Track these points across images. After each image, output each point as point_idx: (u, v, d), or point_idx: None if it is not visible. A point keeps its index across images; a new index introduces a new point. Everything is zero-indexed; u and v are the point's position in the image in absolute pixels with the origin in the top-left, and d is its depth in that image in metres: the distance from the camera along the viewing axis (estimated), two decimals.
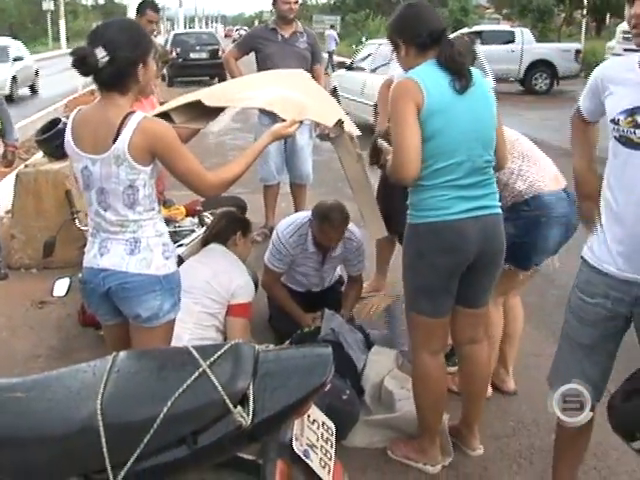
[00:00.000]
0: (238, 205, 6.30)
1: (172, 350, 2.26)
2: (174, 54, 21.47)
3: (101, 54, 2.49)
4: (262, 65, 6.19)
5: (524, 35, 20.77)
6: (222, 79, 23.41)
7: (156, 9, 6.25)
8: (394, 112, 2.83)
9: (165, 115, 2.88)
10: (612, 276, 2.49)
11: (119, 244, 2.66)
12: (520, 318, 3.87)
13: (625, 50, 18.37)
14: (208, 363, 1.88)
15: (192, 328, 3.49)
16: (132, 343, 2.79)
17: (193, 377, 1.85)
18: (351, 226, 4.34)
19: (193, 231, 5.22)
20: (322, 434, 2.03)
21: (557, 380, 2.68)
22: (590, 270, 2.56)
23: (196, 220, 5.45)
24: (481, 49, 19.25)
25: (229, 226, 4.11)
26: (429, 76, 2.83)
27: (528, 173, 3.52)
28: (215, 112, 3.02)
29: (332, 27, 30.13)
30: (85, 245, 2.83)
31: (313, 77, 6.22)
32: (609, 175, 2.50)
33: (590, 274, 2.56)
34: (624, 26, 19.88)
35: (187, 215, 5.58)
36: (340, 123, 3.09)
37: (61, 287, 4.93)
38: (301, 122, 2.93)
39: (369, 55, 13.28)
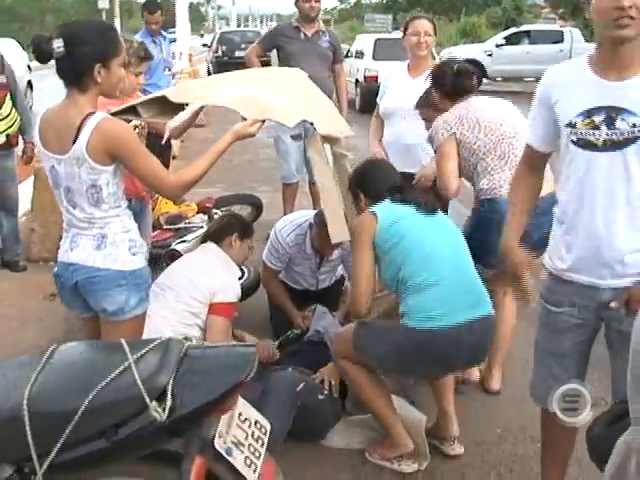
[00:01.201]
0: (253, 203, 6.35)
1: (107, 344, 2.28)
2: (219, 52, 21.69)
3: (57, 45, 2.53)
4: (284, 63, 6.20)
5: (573, 35, 20.40)
6: None
7: (150, 10, 6.30)
8: (352, 245, 3.22)
9: (132, 109, 2.91)
10: (576, 283, 2.45)
11: (87, 239, 2.71)
12: (507, 320, 3.79)
13: None
14: (135, 358, 1.90)
15: (175, 325, 3.50)
16: (102, 336, 2.84)
17: (118, 371, 1.87)
18: None
19: (202, 227, 5.29)
20: (253, 432, 2.02)
21: (535, 390, 2.71)
22: (553, 279, 2.54)
23: (206, 217, 5.51)
24: (528, 48, 18.91)
25: (226, 227, 4.10)
26: (383, 206, 3.12)
27: (496, 175, 3.56)
28: (180, 108, 3.03)
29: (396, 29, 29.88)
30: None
31: (334, 75, 6.30)
32: (564, 182, 2.46)
33: (553, 283, 2.55)
34: None
35: (198, 212, 5.65)
36: (311, 124, 3.08)
37: None
38: (263, 121, 2.92)
39: None
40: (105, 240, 2.69)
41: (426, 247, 3.01)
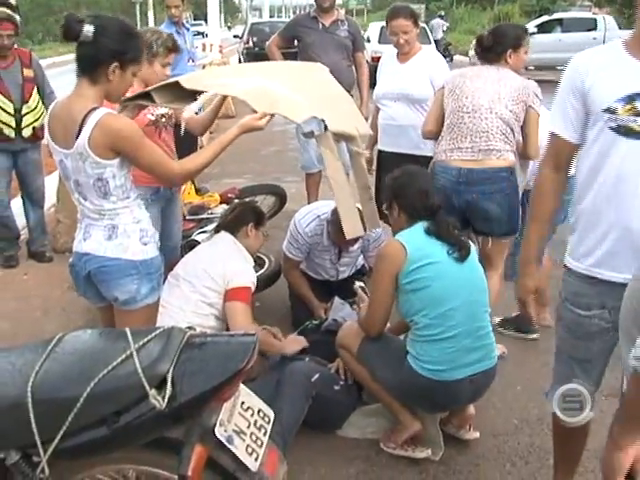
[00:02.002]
0: (277, 193, 6.34)
1: (111, 332, 2.30)
2: (250, 43, 21.69)
3: (88, 29, 2.57)
4: (303, 53, 6.18)
5: (607, 22, 20.05)
6: None
7: None
8: (375, 271, 3.16)
9: (147, 95, 2.93)
10: (606, 281, 2.31)
11: (99, 230, 2.75)
12: (492, 289, 3.71)
13: None
14: (137, 346, 1.91)
15: (190, 317, 3.52)
16: (116, 325, 2.88)
17: (119, 359, 1.88)
18: None
19: None
20: (255, 421, 2.03)
21: (553, 394, 2.58)
22: (579, 279, 2.39)
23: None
24: (561, 37, 18.56)
25: (241, 217, 4.08)
26: (415, 238, 3.05)
27: (442, 141, 3.87)
28: (192, 96, 3.04)
29: (441, 17, 29.45)
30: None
31: (355, 64, 6.26)
32: (593, 172, 2.30)
33: (580, 284, 2.39)
34: None
35: (221, 202, 5.66)
36: (322, 121, 3.06)
37: None
38: (272, 115, 2.92)
39: None
40: (116, 230, 2.72)
41: (447, 303, 2.97)
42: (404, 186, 3.20)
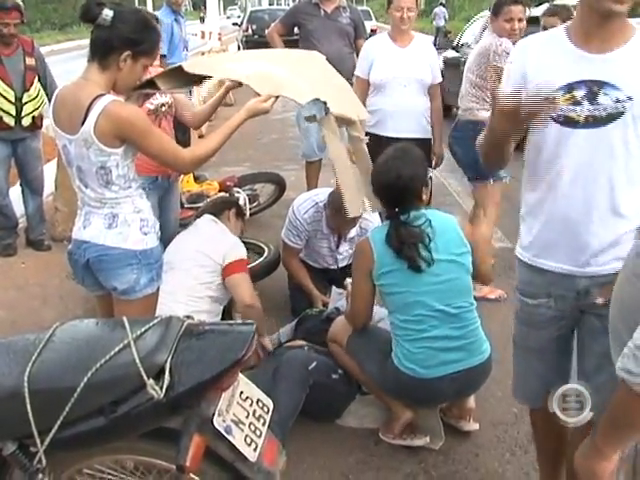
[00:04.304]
0: (276, 181, 6.33)
1: (109, 322, 2.28)
2: (249, 31, 21.61)
3: (107, 14, 2.56)
4: (305, 40, 6.14)
5: None
6: None
7: None
8: (352, 266, 3.23)
9: (151, 82, 2.91)
10: (550, 272, 2.29)
11: (99, 218, 2.73)
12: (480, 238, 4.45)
13: None
14: (134, 336, 1.90)
15: (186, 301, 3.53)
16: (115, 314, 2.86)
17: (117, 349, 1.87)
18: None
19: None
20: (254, 411, 2.01)
21: (517, 390, 2.60)
22: (527, 269, 2.36)
23: (227, 195, 5.50)
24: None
25: (223, 203, 4.23)
26: (380, 241, 2.98)
27: None
28: (198, 80, 3.03)
29: (442, 5, 29.34)
30: None
31: (357, 51, 6.22)
32: (535, 161, 2.27)
33: (528, 273, 2.37)
34: None
35: (220, 191, 5.65)
36: (324, 103, 3.04)
37: None
38: (277, 98, 2.90)
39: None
40: (116, 219, 2.70)
41: (411, 311, 2.96)
42: (375, 174, 3.11)
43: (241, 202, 5.22)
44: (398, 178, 2.95)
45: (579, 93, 2.10)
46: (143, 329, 1.91)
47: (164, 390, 1.78)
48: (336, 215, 4.15)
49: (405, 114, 4.82)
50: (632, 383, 1.41)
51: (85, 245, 2.76)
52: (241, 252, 3.78)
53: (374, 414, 3.40)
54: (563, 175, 2.18)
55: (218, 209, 4.12)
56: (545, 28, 4.72)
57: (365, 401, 3.46)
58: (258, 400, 2.06)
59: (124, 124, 2.55)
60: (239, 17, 34.24)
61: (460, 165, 4.90)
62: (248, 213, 5.38)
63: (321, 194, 4.42)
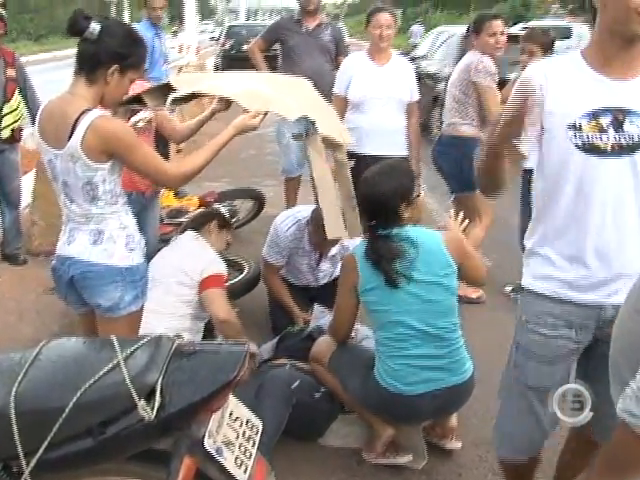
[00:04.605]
0: (255, 197, 6.32)
1: (97, 340, 2.25)
2: (227, 46, 21.64)
3: (95, 27, 2.54)
4: (286, 57, 6.17)
5: (581, 31, 20.21)
6: (273, 70, 23.45)
7: None
8: (339, 281, 3.21)
9: (138, 98, 2.90)
10: (574, 302, 2.20)
11: (84, 234, 2.70)
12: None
13: None
14: (124, 355, 1.87)
15: (167, 320, 3.50)
16: (99, 332, 2.83)
17: (106, 368, 1.84)
18: None
19: None
20: (244, 432, 1.99)
21: (506, 443, 2.47)
22: (542, 299, 2.25)
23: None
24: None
25: (205, 216, 4.19)
26: (362, 256, 3.00)
27: None
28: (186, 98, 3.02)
29: (419, 22, 29.64)
30: None
31: (338, 68, 6.24)
32: (556, 192, 2.18)
33: (544, 303, 2.25)
34: None
35: (200, 206, 5.63)
36: (312, 122, 3.05)
37: None
38: (265, 114, 2.90)
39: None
40: (102, 236, 2.67)
41: (393, 329, 2.97)
42: (360, 186, 3.13)
43: None
44: (377, 192, 2.97)
45: (605, 121, 2.06)
46: (133, 348, 1.89)
47: (155, 411, 1.76)
48: (319, 232, 4.14)
49: (383, 132, 4.85)
50: (634, 425, 1.37)
51: (69, 261, 2.73)
52: (219, 267, 3.76)
53: (356, 433, 3.39)
54: (591, 205, 2.12)
55: (198, 223, 4.09)
56: (524, 51, 4.81)
57: (347, 420, 3.45)
58: (247, 421, 2.04)
59: (111, 139, 2.53)
60: (213, 32, 34.36)
61: (445, 178, 5.13)
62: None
63: (303, 211, 4.42)
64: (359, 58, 5.06)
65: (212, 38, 28.58)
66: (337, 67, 6.25)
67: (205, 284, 3.63)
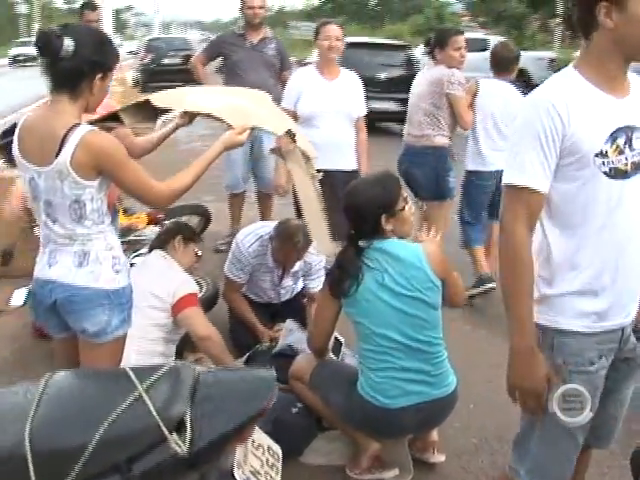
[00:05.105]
0: (201, 213, 6.23)
1: (109, 371, 2.15)
2: (147, 60, 21.33)
3: (68, 43, 2.42)
4: (230, 72, 6.09)
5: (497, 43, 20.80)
6: (196, 84, 23.29)
7: (93, 7, 6.26)
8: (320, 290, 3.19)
9: (115, 117, 2.81)
10: (604, 331, 2.13)
11: (68, 256, 2.58)
12: None
13: None
14: (145, 386, 1.79)
15: (139, 343, 3.37)
16: (81, 360, 2.71)
17: (128, 401, 1.75)
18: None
19: None
20: (267, 460, 1.94)
21: (534, 474, 2.25)
22: (579, 337, 2.12)
23: (157, 229, 5.36)
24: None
25: (167, 231, 4.06)
26: None
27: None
28: (163, 113, 2.94)
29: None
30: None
31: (282, 84, 6.21)
32: (582, 223, 2.07)
33: (580, 340, 2.12)
34: None
35: (149, 223, 5.50)
36: (292, 135, 3.02)
37: (19, 297, 4.82)
38: (252, 129, 2.86)
39: None
40: (87, 257, 2.56)
41: (375, 342, 2.95)
42: (344, 195, 3.07)
43: None
44: (357, 201, 2.97)
45: (621, 141, 2.02)
46: (153, 379, 1.81)
47: (187, 444, 1.68)
48: (282, 247, 4.11)
49: (333, 146, 4.81)
50: None
51: (51, 285, 2.60)
52: (190, 286, 3.67)
53: (340, 450, 3.35)
54: (617, 229, 2.06)
55: (162, 241, 3.95)
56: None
57: (329, 437, 3.40)
58: (269, 447, 1.99)
59: (101, 154, 2.44)
60: (121, 45, 33.86)
61: (416, 186, 5.23)
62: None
63: (265, 227, 4.36)
64: (308, 72, 5.04)
65: (131, 52, 28.09)
66: (282, 82, 6.25)
67: (179, 306, 3.53)
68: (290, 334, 4.00)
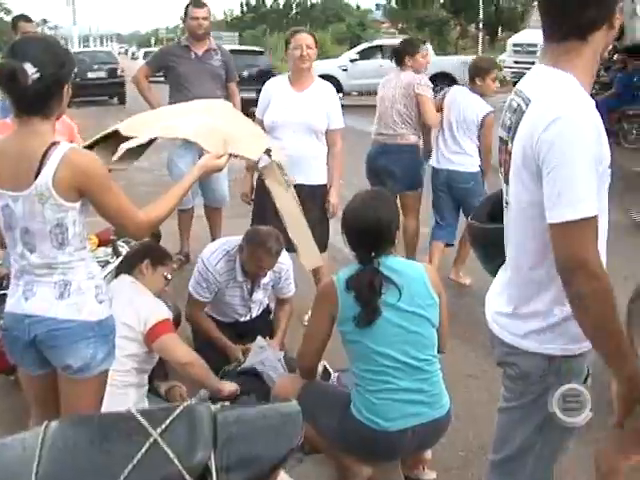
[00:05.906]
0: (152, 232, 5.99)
1: (113, 416, 1.96)
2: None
3: (31, 70, 2.25)
4: (175, 84, 5.93)
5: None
6: (122, 98, 22.97)
7: (28, 19, 6.11)
8: (313, 304, 3.05)
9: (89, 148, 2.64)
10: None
11: (47, 287, 2.41)
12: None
13: (516, 63, 18.80)
14: (159, 431, 1.64)
15: (111, 376, 3.15)
16: (61, 396, 2.54)
17: (144, 449, 1.60)
18: None
19: (108, 262, 4.88)
20: None
21: None
22: (582, 359, 2.09)
23: (110, 250, 5.11)
24: (381, 62, 19.71)
25: (133, 255, 3.84)
26: (343, 284, 2.86)
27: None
28: (142, 148, 2.75)
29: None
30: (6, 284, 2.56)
31: (228, 95, 6.07)
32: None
33: (582, 362, 2.10)
34: (515, 39, 20.39)
35: (100, 245, 5.24)
36: (268, 152, 2.91)
37: None
38: (230, 155, 2.74)
39: None
40: (68, 287, 2.40)
41: (371, 362, 2.85)
42: (352, 218, 2.96)
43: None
44: (378, 221, 2.86)
45: None
46: (167, 422, 1.66)
47: None
48: (254, 254, 3.94)
49: (294, 159, 4.67)
50: None
51: (29, 320, 2.42)
52: (162, 312, 3.47)
53: (327, 474, 3.24)
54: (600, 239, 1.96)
55: (128, 266, 3.73)
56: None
57: (316, 460, 3.29)
58: None
59: (82, 174, 2.29)
60: None
61: (392, 180, 5.59)
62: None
63: (229, 242, 4.21)
64: (279, 82, 4.92)
65: None
66: (228, 93, 6.11)
67: (153, 334, 3.33)
68: (261, 351, 3.88)
